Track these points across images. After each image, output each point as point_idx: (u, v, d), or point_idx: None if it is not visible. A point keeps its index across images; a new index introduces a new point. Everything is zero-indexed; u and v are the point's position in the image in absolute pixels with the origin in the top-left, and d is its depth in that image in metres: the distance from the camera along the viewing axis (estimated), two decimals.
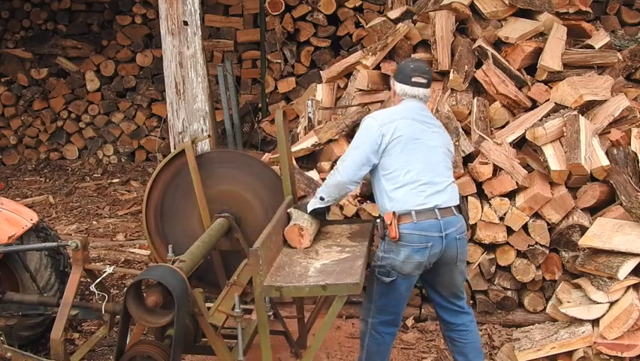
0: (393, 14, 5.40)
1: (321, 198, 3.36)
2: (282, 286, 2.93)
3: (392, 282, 3.23)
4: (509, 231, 4.32)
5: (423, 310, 4.55)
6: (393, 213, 3.15)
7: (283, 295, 3.00)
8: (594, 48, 4.84)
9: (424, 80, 3.35)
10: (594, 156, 4.21)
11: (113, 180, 8.27)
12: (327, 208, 3.45)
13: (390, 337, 3.41)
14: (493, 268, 4.39)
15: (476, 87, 4.80)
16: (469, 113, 4.60)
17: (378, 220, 3.32)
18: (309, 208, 3.40)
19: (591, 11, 5.25)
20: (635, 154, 4.33)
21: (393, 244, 3.17)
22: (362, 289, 3.01)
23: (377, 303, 3.34)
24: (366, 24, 7.05)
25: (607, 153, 4.30)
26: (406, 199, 3.17)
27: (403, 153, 3.20)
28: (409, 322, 4.47)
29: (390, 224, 3.14)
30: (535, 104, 4.66)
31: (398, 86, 3.39)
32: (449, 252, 3.25)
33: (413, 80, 3.34)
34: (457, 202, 3.30)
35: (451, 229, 3.21)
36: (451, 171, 3.38)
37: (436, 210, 3.17)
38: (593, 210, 4.34)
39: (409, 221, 3.14)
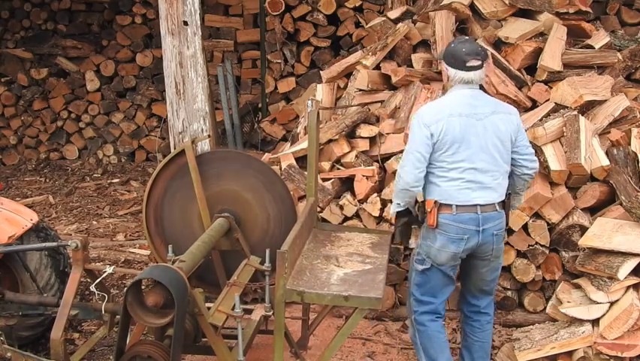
0: (393, 14, 5.40)
1: (398, 204, 3.43)
2: (304, 292, 2.94)
3: (426, 270, 3.35)
4: (509, 231, 4.32)
5: None
6: (435, 201, 3.25)
7: (304, 300, 3.02)
8: (594, 48, 4.84)
9: (478, 62, 3.25)
10: (594, 156, 4.21)
11: (113, 180, 8.26)
12: (410, 211, 3.50)
13: (435, 326, 3.46)
14: None
15: None
16: None
17: (418, 203, 3.41)
18: (392, 211, 3.51)
19: (591, 11, 5.25)
20: (635, 154, 4.33)
21: (430, 230, 3.28)
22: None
23: (415, 295, 3.46)
24: (366, 24, 7.06)
25: (607, 153, 4.30)
26: (450, 193, 3.24)
27: (450, 152, 3.22)
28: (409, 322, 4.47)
29: (430, 211, 3.25)
30: (535, 104, 4.66)
31: (451, 72, 3.29)
32: (484, 247, 3.31)
33: (468, 64, 3.23)
34: (502, 198, 3.33)
35: (489, 225, 3.27)
36: (501, 162, 3.32)
37: (478, 206, 3.24)
38: (593, 210, 4.35)
39: (449, 212, 3.23)
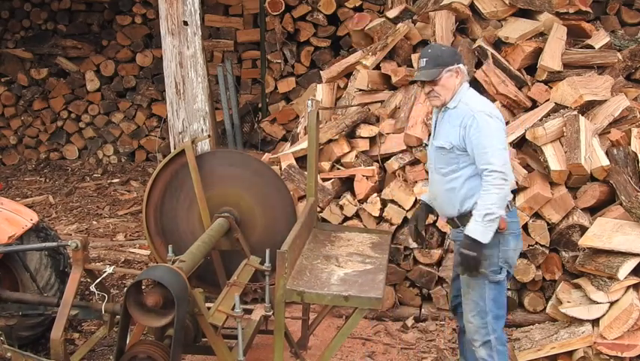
0: (392, 13, 5.40)
1: (495, 218, 3.02)
2: (304, 292, 2.94)
3: (502, 281, 3.18)
4: None
5: (423, 310, 4.55)
6: None
7: (304, 300, 3.01)
8: (594, 48, 4.84)
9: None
10: (594, 156, 4.21)
11: (113, 180, 8.26)
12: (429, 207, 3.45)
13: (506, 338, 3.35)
14: None
15: (476, 87, 4.79)
16: None
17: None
18: (486, 237, 3.02)
19: (591, 11, 5.25)
20: (635, 154, 4.33)
21: (501, 235, 3.11)
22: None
23: (493, 311, 3.19)
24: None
25: (607, 153, 4.30)
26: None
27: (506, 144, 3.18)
28: (409, 322, 4.47)
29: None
30: (535, 104, 4.66)
31: (463, 68, 3.21)
32: None
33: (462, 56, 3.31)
34: None
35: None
36: None
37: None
38: (593, 210, 4.35)
39: (507, 210, 3.13)
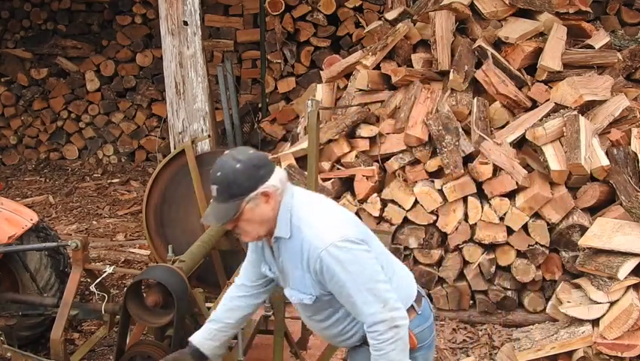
0: (391, 15, 5.40)
1: None
2: None
3: None
4: (509, 231, 4.32)
5: None
6: None
7: None
8: (594, 48, 4.84)
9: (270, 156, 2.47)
10: (594, 156, 4.21)
11: (113, 180, 8.26)
12: None
13: None
14: (493, 268, 4.40)
15: (476, 87, 4.80)
16: (469, 113, 4.60)
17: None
18: None
19: (591, 11, 5.26)
20: (635, 154, 4.33)
21: (411, 353, 2.36)
22: None
23: None
24: (366, 24, 7.05)
25: (607, 153, 4.30)
26: (406, 291, 2.44)
27: (375, 242, 2.42)
28: None
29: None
30: (535, 104, 4.66)
31: (275, 180, 2.26)
32: None
33: (270, 157, 2.40)
34: None
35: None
36: None
37: (417, 286, 2.53)
38: (593, 210, 4.35)
39: (414, 316, 2.41)
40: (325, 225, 2.25)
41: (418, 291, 2.49)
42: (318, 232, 2.23)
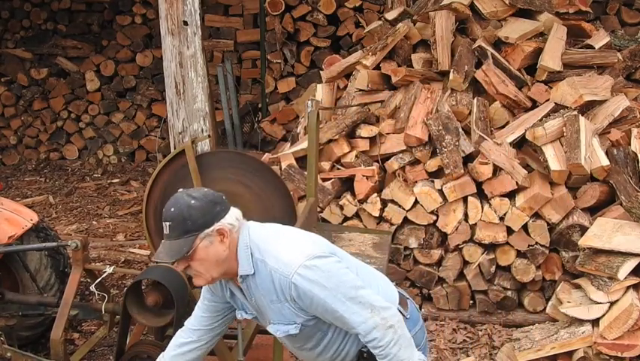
0: (391, 15, 5.40)
1: None
2: None
3: None
4: (509, 231, 4.32)
5: (423, 310, 4.55)
6: None
7: None
8: (594, 48, 4.84)
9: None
10: (594, 156, 4.21)
11: (113, 180, 8.26)
12: None
13: None
14: (493, 268, 4.40)
15: (476, 87, 4.80)
16: (469, 113, 4.60)
17: (364, 351, 2.33)
18: None
19: (591, 11, 5.26)
20: (635, 154, 4.33)
21: None
22: None
23: None
24: (367, 24, 7.06)
25: (607, 153, 4.30)
26: (387, 295, 2.36)
27: (351, 262, 2.38)
28: None
29: None
30: (535, 104, 4.66)
31: (231, 219, 2.24)
32: None
33: (224, 197, 2.32)
34: None
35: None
36: None
37: (397, 290, 2.46)
38: (593, 210, 4.34)
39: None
40: (287, 250, 2.19)
41: (401, 294, 2.43)
42: (283, 259, 2.17)
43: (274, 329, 2.31)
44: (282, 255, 2.19)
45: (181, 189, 2.27)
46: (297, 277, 2.13)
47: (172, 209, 2.20)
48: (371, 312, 2.16)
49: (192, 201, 2.19)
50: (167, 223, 2.18)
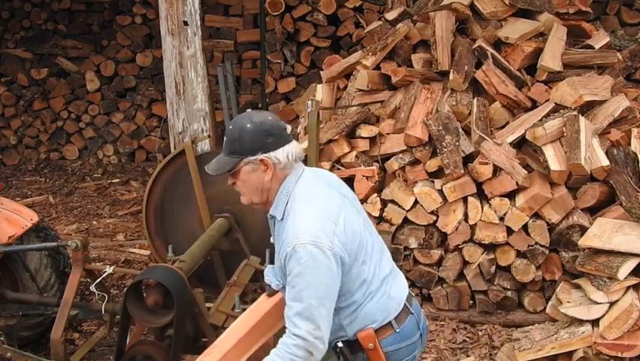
0: (391, 16, 5.40)
1: None
2: None
3: None
4: (509, 231, 4.32)
5: (423, 310, 4.54)
6: (372, 330, 2.30)
7: None
8: (594, 48, 4.84)
9: (290, 128, 2.34)
10: (594, 156, 4.21)
11: (113, 180, 8.26)
12: None
13: None
14: (493, 268, 4.40)
15: (476, 87, 4.80)
16: (469, 114, 4.60)
17: (339, 346, 2.34)
18: None
19: (591, 11, 5.25)
20: (635, 154, 4.33)
21: None
22: None
23: None
24: (366, 24, 7.05)
25: (607, 153, 4.30)
26: (382, 309, 2.33)
27: (366, 256, 2.30)
28: None
29: (374, 347, 2.28)
30: (535, 105, 4.66)
31: (280, 155, 2.24)
32: (420, 350, 2.51)
33: (288, 131, 2.30)
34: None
35: (422, 319, 2.48)
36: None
37: (406, 302, 2.40)
38: (593, 210, 4.34)
39: (390, 333, 2.32)
40: (308, 222, 2.18)
41: (407, 308, 2.38)
42: (299, 226, 2.18)
43: (275, 277, 2.39)
44: (301, 222, 2.19)
45: (249, 109, 2.35)
46: (295, 249, 2.14)
47: (231, 127, 2.27)
48: (313, 329, 2.13)
49: (248, 125, 2.23)
50: (225, 138, 2.27)
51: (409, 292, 2.46)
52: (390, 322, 2.31)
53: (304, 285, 2.13)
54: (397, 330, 2.32)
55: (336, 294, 2.19)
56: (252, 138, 2.21)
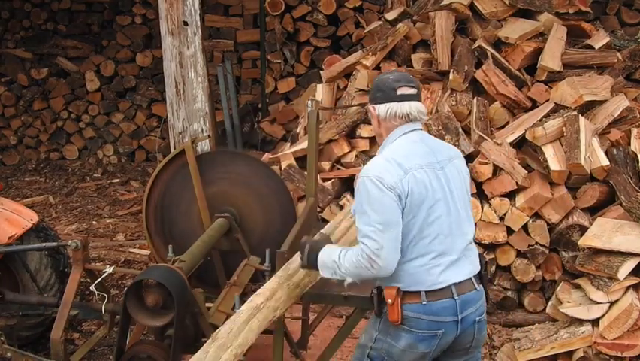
0: (391, 15, 5.40)
1: (341, 274, 2.54)
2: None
3: None
4: (509, 231, 4.32)
5: None
6: (397, 289, 2.46)
7: (304, 299, 3.00)
8: (594, 48, 4.84)
9: (412, 91, 2.55)
10: (594, 156, 4.21)
11: (113, 180, 8.26)
12: None
13: None
14: (493, 268, 4.39)
15: (476, 87, 4.80)
16: (469, 113, 4.60)
17: (374, 290, 2.56)
18: (322, 273, 2.61)
19: (591, 11, 5.26)
20: (635, 154, 4.33)
21: (392, 326, 2.49)
22: None
23: None
24: (366, 24, 7.05)
25: (607, 153, 4.30)
26: (415, 277, 2.47)
27: (417, 219, 2.45)
28: None
29: (393, 304, 2.45)
30: (535, 104, 4.66)
31: (382, 109, 2.54)
32: (464, 338, 2.55)
33: (399, 92, 2.52)
34: (478, 268, 2.59)
35: (469, 310, 2.51)
36: (471, 220, 2.63)
37: (453, 287, 2.48)
38: (593, 210, 4.34)
39: (417, 302, 2.46)
40: (378, 162, 2.52)
41: (451, 292, 2.47)
42: (370, 163, 2.54)
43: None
44: (372, 161, 2.56)
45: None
46: (360, 180, 2.49)
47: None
48: (370, 242, 2.40)
49: (375, 79, 2.68)
50: None
51: (473, 284, 2.54)
52: (419, 291, 2.45)
53: (365, 211, 2.42)
54: (424, 302, 2.46)
55: (398, 224, 2.42)
56: (374, 88, 2.62)
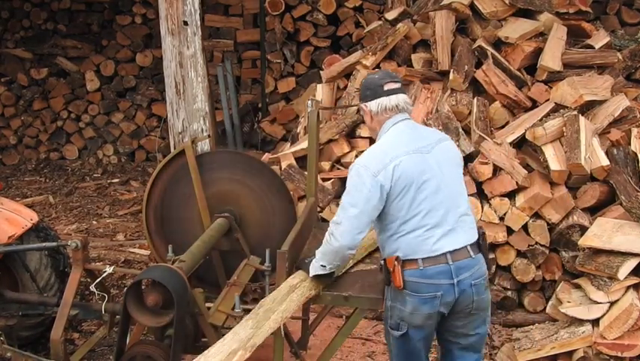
0: (391, 15, 5.40)
1: (323, 266, 2.94)
2: None
3: (404, 335, 2.84)
4: (509, 231, 4.32)
5: None
6: (397, 258, 2.75)
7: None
8: (594, 48, 4.84)
9: (397, 85, 2.86)
10: (594, 156, 4.21)
11: (113, 180, 8.26)
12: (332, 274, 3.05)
13: None
14: (493, 268, 4.39)
15: (476, 87, 4.80)
16: (469, 113, 4.60)
17: (381, 262, 2.88)
18: (312, 273, 2.97)
19: (591, 11, 5.26)
20: (635, 154, 4.33)
21: (398, 292, 2.77)
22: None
23: None
24: (366, 24, 7.05)
25: (607, 153, 4.30)
26: (411, 246, 2.76)
27: (406, 199, 2.73)
28: None
29: (394, 271, 2.75)
30: (535, 104, 4.66)
31: (373, 105, 2.84)
32: (463, 300, 2.79)
33: (386, 88, 2.83)
34: (474, 238, 2.83)
35: (464, 275, 2.75)
36: (463, 191, 2.90)
37: (447, 254, 2.74)
38: (593, 210, 4.35)
39: (414, 267, 2.74)
40: (369, 150, 2.88)
41: (445, 258, 2.73)
42: (362, 155, 2.87)
43: None
44: (364, 152, 2.90)
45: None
46: (354, 166, 2.81)
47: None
48: (337, 215, 2.83)
49: (370, 76, 2.98)
50: None
51: (468, 252, 2.77)
52: (416, 259, 2.74)
53: (347, 191, 2.79)
54: (421, 268, 2.74)
55: (365, 211, 2.74)
56: (364, 87, 2.91)
